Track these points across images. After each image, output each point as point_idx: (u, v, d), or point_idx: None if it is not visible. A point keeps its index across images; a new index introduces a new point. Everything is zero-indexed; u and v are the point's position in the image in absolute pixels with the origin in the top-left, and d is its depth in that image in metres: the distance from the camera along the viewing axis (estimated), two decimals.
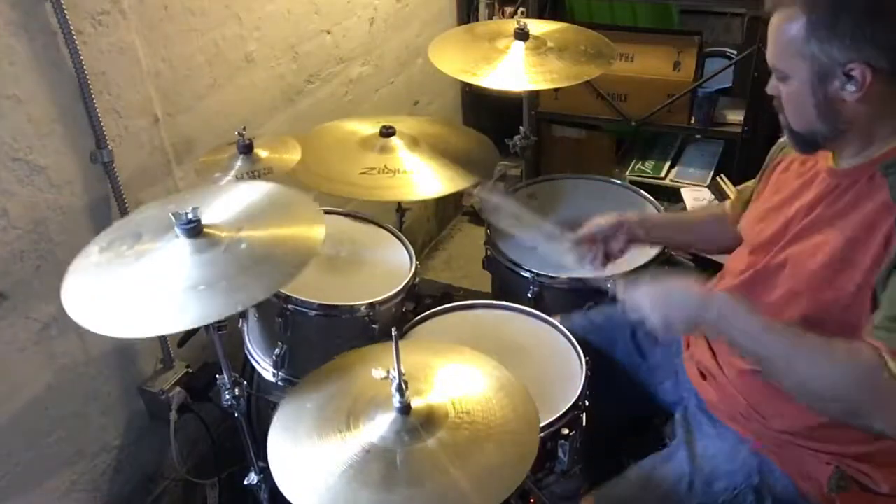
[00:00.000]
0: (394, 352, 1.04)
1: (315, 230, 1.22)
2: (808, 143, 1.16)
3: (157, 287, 1.12)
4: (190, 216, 1.17)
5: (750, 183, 1.45)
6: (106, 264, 1.18)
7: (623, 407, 1.60)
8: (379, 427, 1.07)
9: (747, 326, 1.08)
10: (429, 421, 1.07)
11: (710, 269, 1.79)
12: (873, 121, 1.09)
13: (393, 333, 1.05)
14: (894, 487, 1.17)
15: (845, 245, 1.10)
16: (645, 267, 1.69)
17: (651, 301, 1.15)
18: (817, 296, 1.14)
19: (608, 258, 1.51)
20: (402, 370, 1.05)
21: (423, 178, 1.71)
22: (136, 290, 1.12)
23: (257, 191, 1.33)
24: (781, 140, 1.33)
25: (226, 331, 1.25)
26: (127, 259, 1.18)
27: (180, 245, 1.17)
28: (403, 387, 1.05)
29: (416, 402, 1.08)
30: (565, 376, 1.40)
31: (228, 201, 1.29)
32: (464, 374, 1.20)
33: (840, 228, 1.12)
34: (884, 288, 1.05)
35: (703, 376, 1.37)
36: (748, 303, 1.11)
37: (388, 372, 1.05)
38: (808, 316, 1.15)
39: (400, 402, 1.06)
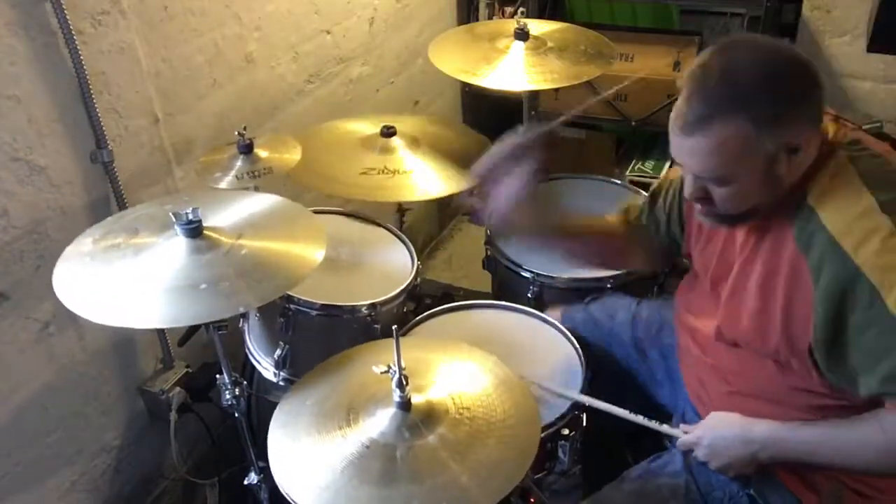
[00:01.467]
0: (394, 347, 1.04)
1: (313, 251, 1.23)
2: (742, 219, 1.15)
3: (143, 281, 1.13)
4: (190, 217, 1.17)
5: (671, 174, 1.45)
6: (101, 253, 1.19)
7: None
8: (379, 423, 1.07)
9: (796, 451, 1.16)
10: (429, 417, 1.07)
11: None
12: (802, 169, 1.10)
13: (394, 329, 1.05)
14: (894, 497, 1.18)
15: (763, 295, 1.13)
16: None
17: (709, 456, 1.24)
18: (751, 342, 1.18)
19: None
20: (403, 365, 1.05)
21: (424, 178, 1.70)
22: (130, 282, 1.13)
23: (264, 202, 1.34)
24: None
25: (226, 331, 1.25)
26: (123, 251, 1.18)
27: (177, 244, 1.18)
28: (404, 382, 1.05)
29: (417, 398, 1.09)
30: (565, 376, 1.40)
31: (232, 208, 1.30)
32: (464, 371, 1.20)
33: (758, 278, 1.15)
34: (835, 349, 1.07)
35: (698, 395, 1.37)
36: (785, 428, 1.16)
37: (389, 367, 1.05)
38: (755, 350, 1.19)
39: (400, 398, 1.06)
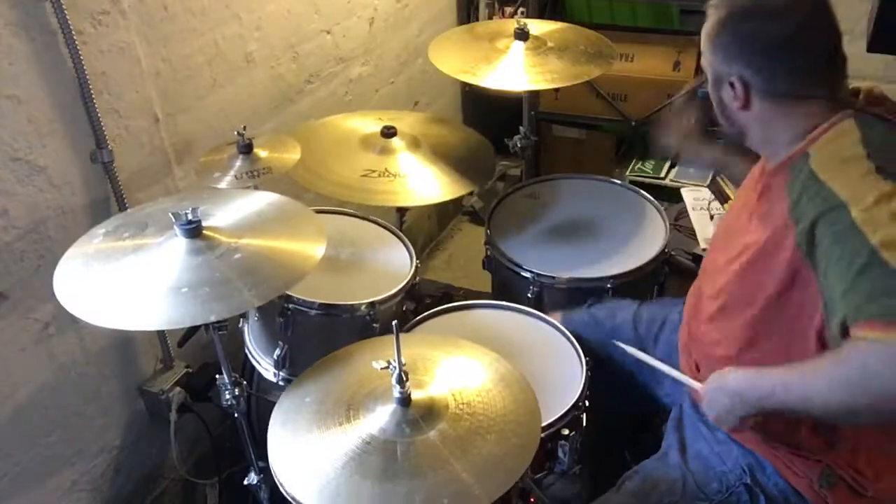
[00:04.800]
0: (394, 342, 1.04)
1: (313, 249, 1.23)
2: (730, 140, 1.26)
3: (143, 283, 1.13)
4: (190, 217, 1.17)
5: None
6: (101, 254, 1.19)
7: (623, 407, 1.61)
8: (379, 419, 1.07)
9: (767, 393, 1.08)
10: (429, 413, 1.07)
11: None
12: (766, 130, 1.16)
13: (393, 325, 1.05)
14: (879, 492, 1.18)
15: (762, 246, 1.14)
16: (645, 266, 1.69)
17: (707, 409, 1.18)
18: (749, 296, 1.17)
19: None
20: (403, 361, 1.05)
21: (424, 183, 1.71)
22: (130, 283, 1.13)
23: (267, 201, 1.34)
24: None
25: (226, 331, 1.25)
26: (124, 250, 1.19)
27: (176, 244, 1.18)
28: (404, 378, 1.05)
29: (417, 394, 1.08)
30: (565, 376, 1.40)
31: (232, 207, 1.30)
32: (464, 366, 1.20)
33: (760, 230, 1.15)
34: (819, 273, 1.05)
35: (695, 377, 1.37)
36: (754, 371, 1.11)
37: (389, 362, 1.05)
38: (754, 320, 1.18)
39: (400, 394, 1.06)
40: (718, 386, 1.16)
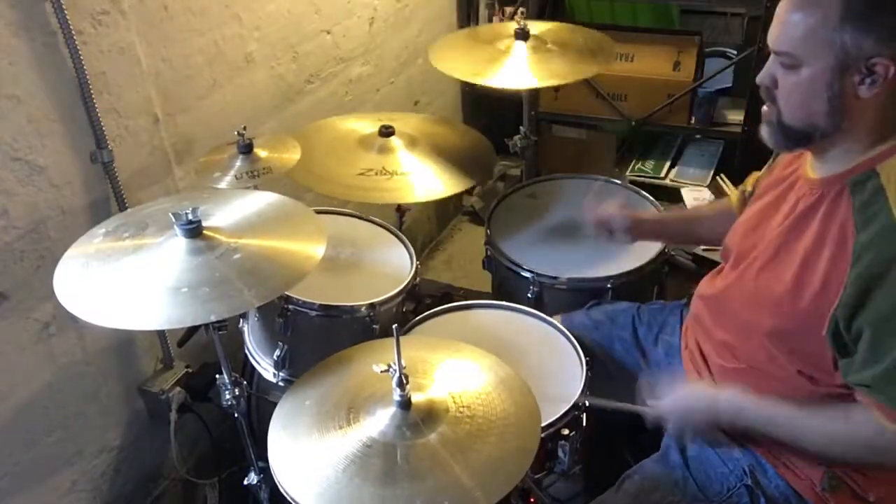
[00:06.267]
0: (395, 346, 1.04)
1: (313, 249, 1.23)
2: (795, 139, 1.13)
3: (143, 283, 1.13)
4: (190, 217, 1.17)
5: (756, 173, 1.44)
6: (101, 254, 1.19)
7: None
8: (379, 422, 1.07)
9: (756, 422, 1.20)
10: (429, 416, 1.07)
11: (710, 268, 1.79)
12: (872, 124, 1.08)
13: (394, 328, 1.05)
14: (881, 496, 1.18)
15: (806, 264, 1.12)
16: (645, 267, 1.69)
17: (677, 429, 1.32)
18: (780, 310, 1.16)
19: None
20: (403, 364, 1.05)
21: (422, 179, 1.70)
22: (130, 283, 1.13)
23: (267, 201, 1.34)
24: None
25: (226, 331, 1.25)
26: (124, 250, 1.19)
27: (176, 244, 1.18)
28: (404, 381, 1.05)
29: (417, 397, 1.08)
30: (565, 376, 1.40)
31: (232, 207, 1.30)
32: (463, 369, 1.20)
33: (805, 246, 1.13)
34: (849, 331, 1.07)
35: (698, 372, 1.37)
36: (751, 398, 1.20)
37: (389, 366, 1.05)
38: (772, 328, 1.18)
39: (400, 397, 1.06)
40: (705, 408, 1.25)
